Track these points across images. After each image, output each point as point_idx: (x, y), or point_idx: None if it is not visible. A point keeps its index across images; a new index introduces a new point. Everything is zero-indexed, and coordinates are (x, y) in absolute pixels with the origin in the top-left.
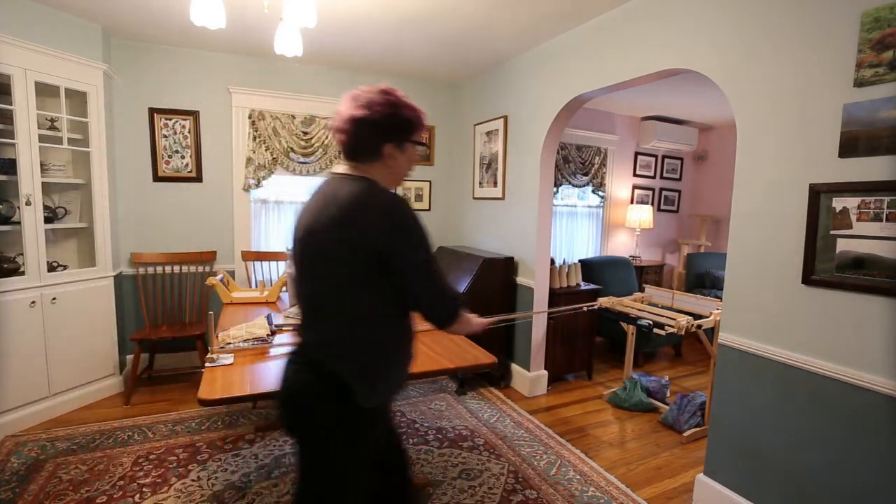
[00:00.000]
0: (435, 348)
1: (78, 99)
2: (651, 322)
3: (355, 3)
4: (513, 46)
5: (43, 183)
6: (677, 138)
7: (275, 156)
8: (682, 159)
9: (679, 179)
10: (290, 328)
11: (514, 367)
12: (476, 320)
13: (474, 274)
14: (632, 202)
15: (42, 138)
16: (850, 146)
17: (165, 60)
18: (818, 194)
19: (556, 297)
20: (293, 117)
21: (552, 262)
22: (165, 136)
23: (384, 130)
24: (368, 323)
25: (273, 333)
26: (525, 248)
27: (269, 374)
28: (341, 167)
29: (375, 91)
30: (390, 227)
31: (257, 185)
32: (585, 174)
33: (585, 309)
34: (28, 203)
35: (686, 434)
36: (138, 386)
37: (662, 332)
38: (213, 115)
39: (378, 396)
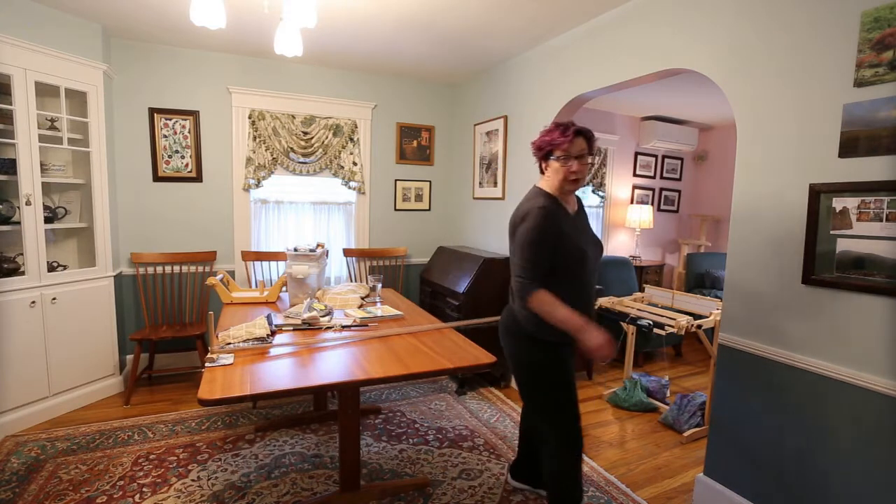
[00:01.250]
0: (435, 348)
1: (78, 99)
2: (651, 322)
3: (355, 3)
4: (513, 46)
5: (43, 183)
6: (677, 138)
7: (275, 156)
8: (682, 159)
9: (679, 179)
10: (291, 328)
11: None
12: (565, 317)
13: (474, 274)
14: (632, 202)
15: (42, 138)
16: (850, 146)
17: (165, 60)
18: (818, 194)
19: None
20: (293, 117)
21: None
22: (165, 136)
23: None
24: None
25: (273, 333)
26: None
27: (270, 374)
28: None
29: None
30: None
31: (257, 185)
32: None
33: None
34: (28, 203)
35: (686, 434)
36: (138, 386)
37: (662, 332)
38: (213, 115)
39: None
